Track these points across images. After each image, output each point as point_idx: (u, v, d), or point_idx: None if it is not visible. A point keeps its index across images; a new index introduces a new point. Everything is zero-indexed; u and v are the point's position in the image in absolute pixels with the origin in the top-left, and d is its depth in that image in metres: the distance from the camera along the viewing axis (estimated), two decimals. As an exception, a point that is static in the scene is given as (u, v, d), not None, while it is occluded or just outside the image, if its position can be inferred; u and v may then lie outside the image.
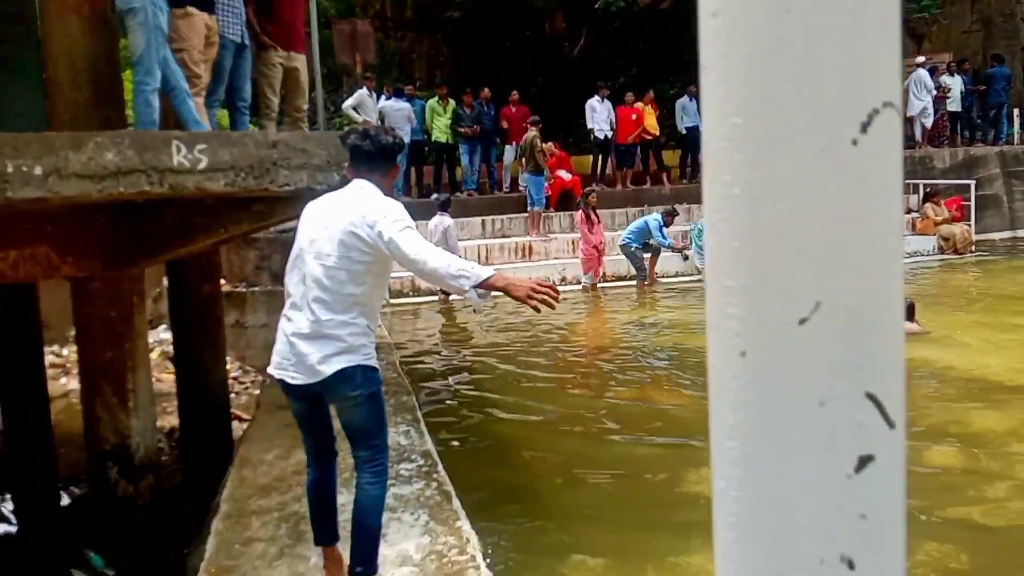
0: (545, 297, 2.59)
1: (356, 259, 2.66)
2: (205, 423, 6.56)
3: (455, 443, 5.24)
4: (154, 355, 11.08)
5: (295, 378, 2.70)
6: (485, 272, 2.60)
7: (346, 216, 2.70)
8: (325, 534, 2.91)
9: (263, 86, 5.55)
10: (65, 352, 11.90)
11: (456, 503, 3.55)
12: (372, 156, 2.85)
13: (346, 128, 3.29)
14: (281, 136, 4.01)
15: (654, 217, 11.43)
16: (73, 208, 4.33)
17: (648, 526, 4.00)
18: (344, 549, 2.88)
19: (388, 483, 2.90)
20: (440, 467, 4.02)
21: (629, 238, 11.33)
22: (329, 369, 2.65)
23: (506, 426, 5.63)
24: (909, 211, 14.14)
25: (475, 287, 2.57)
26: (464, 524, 3.31)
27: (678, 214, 11.84)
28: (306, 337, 2.68)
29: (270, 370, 2.82)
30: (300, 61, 5.73)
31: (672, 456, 4.94)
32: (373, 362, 2.77)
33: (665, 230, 11.40)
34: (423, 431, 4.63)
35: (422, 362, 7.71)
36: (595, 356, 7.76)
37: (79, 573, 4.49)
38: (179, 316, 6.52)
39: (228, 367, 11.05)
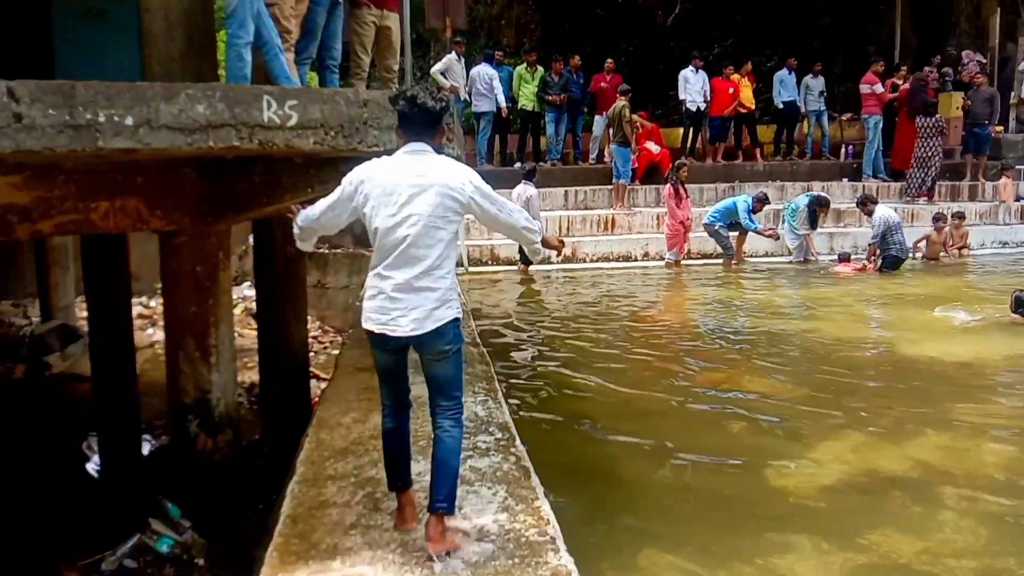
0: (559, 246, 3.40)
1: (451, 219, 2.87)
2: (284, 381, 6.61)
3: (529, 418, 5.09)
4: (237, 311, 11.30)
5: (396, 331, 2.85)
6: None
7: (437, 179, 2.86)
8: (402, 479, 3.07)
9: (355, 45, 5.46)
10: (153, 304, 12.25)
11: (535, 480, 3.42)
12: (421, 122, 2.92)
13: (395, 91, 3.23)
14: (373, 95, 3.90)
15: (743, 199, 11.00)
16: (163, 161, 4.32)
17: (732, 520, 3.80)
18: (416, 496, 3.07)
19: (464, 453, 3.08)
20: (518, 441, 3.90)
21: (714, 217, 10.97)
22: (432, 324, 2.84)
23: (582, 405, 5.46)
24: (1019, 198, 13.32)
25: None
26: (544, 504, 3.18)
27: (769, 202, 11.32)
28: (409, 290, 2.85)
29: (366, 325, 2.94)
30: (393, 20, 5.61)
31: (757, 446, 4.70)
32: (460, 315, 2.97)
33: (754, 216, 10.96)
34: (501, 402, 4.51)
35: (499, 332, 7.59)
36: (676, 336, 7.49)
37: (156, 522, 4.53)
38: (263, 274, 6.55)
39: (308, 326, 11.21)
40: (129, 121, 3.31)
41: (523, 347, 7.12)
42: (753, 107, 13.97)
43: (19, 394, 7.89)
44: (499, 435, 3.98)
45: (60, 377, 8.41)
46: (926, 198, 12.82)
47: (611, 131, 12.27)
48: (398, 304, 2.84)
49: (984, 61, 15.06)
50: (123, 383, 6.54)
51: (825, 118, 14.48)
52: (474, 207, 2.90)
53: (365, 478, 3.48)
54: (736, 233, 11.08)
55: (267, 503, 4.96)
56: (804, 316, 8.09)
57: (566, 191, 12.41)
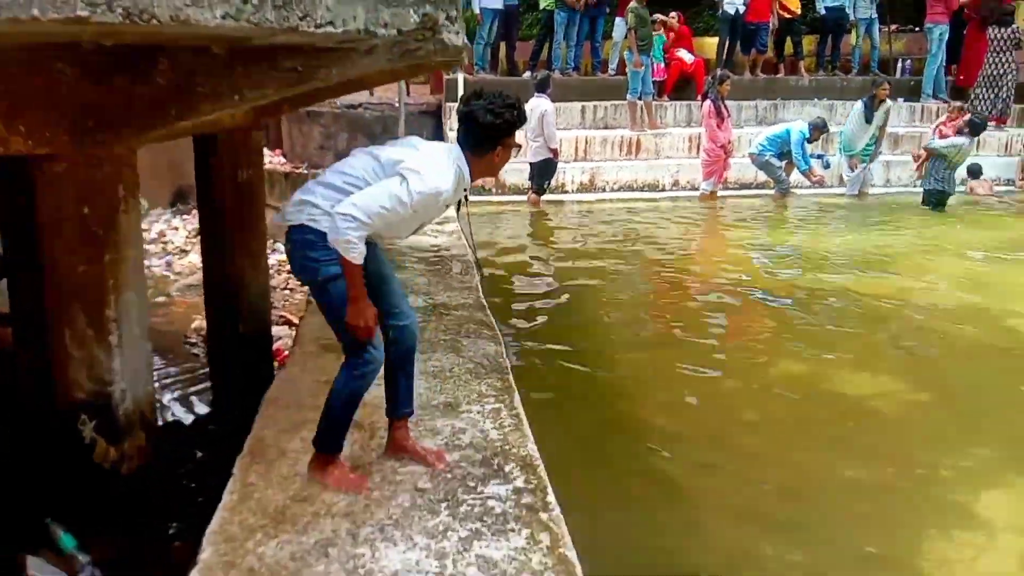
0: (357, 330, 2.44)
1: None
2: (238, 344, 5.24)
3: (544, 417, 3.67)
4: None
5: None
6: (358, 257, 2.35)
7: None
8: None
9: None
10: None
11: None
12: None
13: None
14: (323, -63, 2.37)
15: (799, 128, 9.32)
16: (20, 52, 2.86)
17: None
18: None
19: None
20: (551, 497, 2.53)
21: (763, 146, 9.37)
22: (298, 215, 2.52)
23: (612, 399, 4.11)
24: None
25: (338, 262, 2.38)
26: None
27: (827, 130, 9.65)
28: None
29: None
30: None
31: (894, 501, 3.32)
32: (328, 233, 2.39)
33: (809, 147, 9.35)
34: (520, 415, 3.14)
35: (503, 284, 6.13)
36: (726, 300, 5.90)
37: (36, 561, 3.26)
38: (207, 209, 5.08)
39: (284, 259, 9.78)
40: None
41: (529, 305, 5.68)
42: (799, 12, 12.17)
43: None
44: (521, 482, 2.61)
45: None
46: (996, 123, 11.20)
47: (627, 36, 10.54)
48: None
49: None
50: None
51: (876, 28, 12.70)
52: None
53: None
54: (785, 163, 9.52)
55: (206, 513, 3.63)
56: (882, 271, 6.57)
57: (583, 107, 10.77)
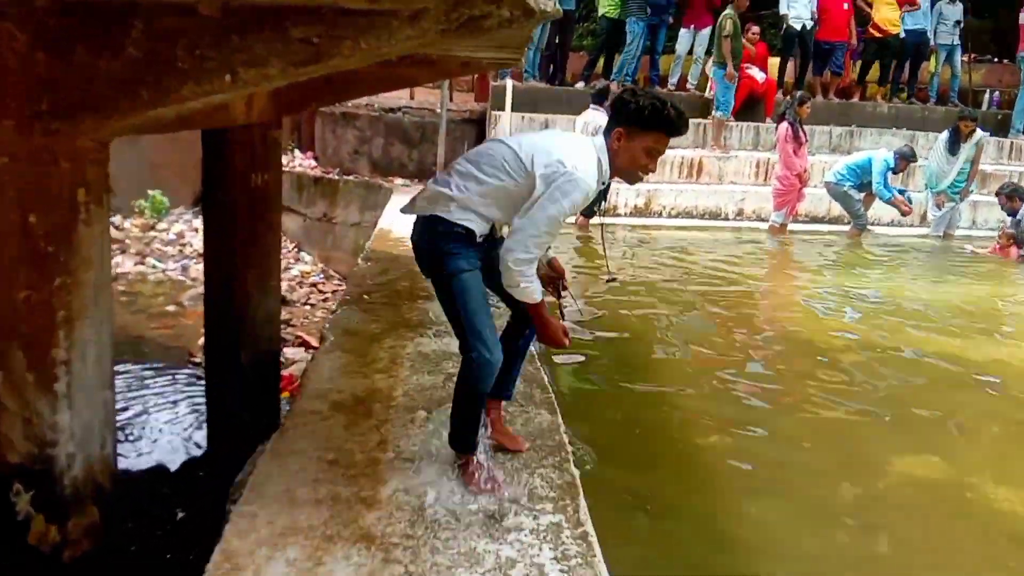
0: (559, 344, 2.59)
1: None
2: (240, 378, 4.47)
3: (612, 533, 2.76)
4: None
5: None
6: (537, 295, 2.44)
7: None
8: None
9: None
10: (127, 224, 10.17)
11: None
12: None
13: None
14: None
15: (882, 157, 8.39)
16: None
17: None
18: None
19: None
20: None
21: (841, 175, 8.42)
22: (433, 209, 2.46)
23: (695, 510, 3.22)
24: None
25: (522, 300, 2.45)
26: None
27: (915, 159, 8.65)
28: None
29: None
30: None
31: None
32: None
33: (891, 177, 8.40)
34: (587, 535, 2.29)
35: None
36: (798, 352, 5.00)
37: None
38: (213, 216, 4.34)
39: (308, 270, 9.03)
40: None
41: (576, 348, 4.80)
42: (897, 31, 11.14)
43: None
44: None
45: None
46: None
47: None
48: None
49: None
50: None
51: (958, 55, 11.70)
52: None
53: None
54: (863, 195, 8.57)
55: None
56: (995, 333, 5.55)
57: (641, 122, 9.87)
